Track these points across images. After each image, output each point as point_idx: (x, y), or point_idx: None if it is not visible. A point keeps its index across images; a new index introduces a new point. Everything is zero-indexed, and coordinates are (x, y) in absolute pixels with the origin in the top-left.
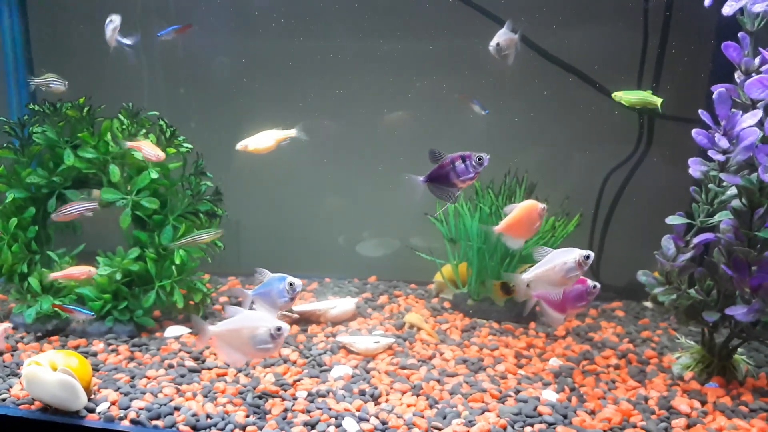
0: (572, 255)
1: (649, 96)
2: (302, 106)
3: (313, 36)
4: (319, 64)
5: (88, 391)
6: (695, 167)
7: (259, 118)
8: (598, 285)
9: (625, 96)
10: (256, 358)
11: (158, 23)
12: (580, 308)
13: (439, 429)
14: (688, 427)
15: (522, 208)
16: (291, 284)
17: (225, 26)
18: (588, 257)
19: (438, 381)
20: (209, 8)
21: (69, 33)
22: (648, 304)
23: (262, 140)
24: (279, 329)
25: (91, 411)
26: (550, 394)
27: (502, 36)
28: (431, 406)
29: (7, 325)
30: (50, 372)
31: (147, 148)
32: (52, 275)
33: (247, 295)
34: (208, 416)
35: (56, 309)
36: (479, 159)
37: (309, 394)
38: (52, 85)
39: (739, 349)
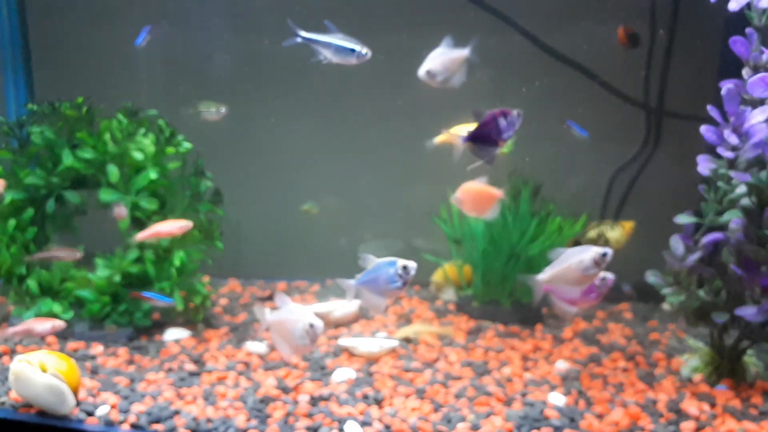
0: (588, 253)
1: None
2: (303, 106)
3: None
4: (320, 65)
5: (76, 395)
6: (704, 165)
7: (260, 117)
8: (610, 276)
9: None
10: (297, 353)
11: (159, 23)
12: (593, 301)
13: None
14: (698, 430)
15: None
16: (404, 267)
17: (224, 25)
18: (605, 254)
19: (443, 384)
20: (209, 7)
21: (67, 32)
22: (667, 306)
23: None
24: (312, 326)
25: (90, 414)
26: (557, 398)
27: (435, 59)
28: (436, 410)
29: (57, 323)
30: (40, 373)
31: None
32: (139, 236)
33: (351, 286)
34: (209, 420)
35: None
36: (518, 114)
37: (311, 398)
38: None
39: (749, 351)
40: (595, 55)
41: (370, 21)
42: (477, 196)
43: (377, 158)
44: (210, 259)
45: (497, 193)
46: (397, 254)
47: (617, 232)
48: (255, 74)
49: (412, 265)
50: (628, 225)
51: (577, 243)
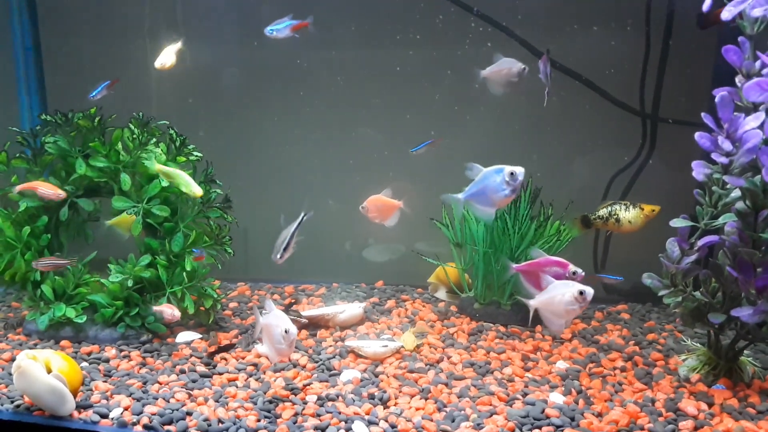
0: (570, 289)
1: (126, 217)
2: (308, 113)
3: (321, 46)
4: (326, 73)
5: (76, 397)
6: (698, 170)
7: (267, 127)
8: (580, 271)
9: (118, 221)
10: (278, 355)
11: (167, 34)
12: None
13: None
14: (696, 429)
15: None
16: (512, 174)
17: (232, 36)
18: (582, 293)
19: (446, 384)
20: (217, 18)
21: (80, 43)
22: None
23: None
24: (287, 331)
25: (104, 416)
26: (557, 397)
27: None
28: (440, 410)
29: (171, 310)
30: (44, 373)
31: (43, 189)
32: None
33: (460, 200)
34: (220, 421)
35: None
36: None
37: (319, 398)
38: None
39: (746, 351)
40: (592, 64)
41: (381, 37)
42: (381, 206)
43: (381, 164)
44: (220, 263)
45: (398, 203)
46: (399, 258)
47: (632, 213)
48: (262, 83)
49: (519, 170)
50: (649, 208)
51: (585, 219)
